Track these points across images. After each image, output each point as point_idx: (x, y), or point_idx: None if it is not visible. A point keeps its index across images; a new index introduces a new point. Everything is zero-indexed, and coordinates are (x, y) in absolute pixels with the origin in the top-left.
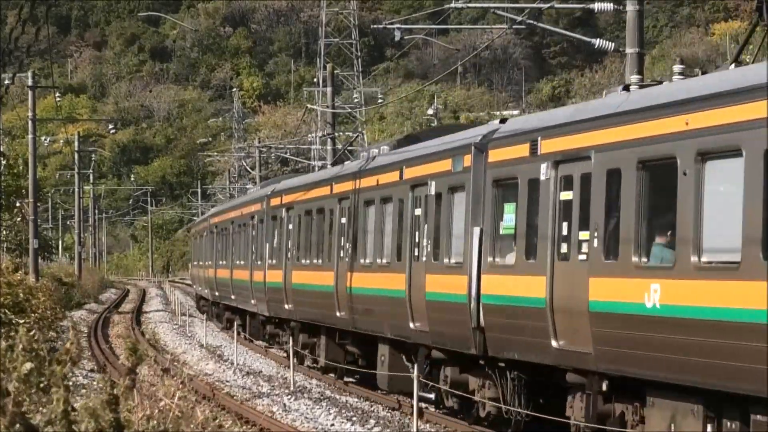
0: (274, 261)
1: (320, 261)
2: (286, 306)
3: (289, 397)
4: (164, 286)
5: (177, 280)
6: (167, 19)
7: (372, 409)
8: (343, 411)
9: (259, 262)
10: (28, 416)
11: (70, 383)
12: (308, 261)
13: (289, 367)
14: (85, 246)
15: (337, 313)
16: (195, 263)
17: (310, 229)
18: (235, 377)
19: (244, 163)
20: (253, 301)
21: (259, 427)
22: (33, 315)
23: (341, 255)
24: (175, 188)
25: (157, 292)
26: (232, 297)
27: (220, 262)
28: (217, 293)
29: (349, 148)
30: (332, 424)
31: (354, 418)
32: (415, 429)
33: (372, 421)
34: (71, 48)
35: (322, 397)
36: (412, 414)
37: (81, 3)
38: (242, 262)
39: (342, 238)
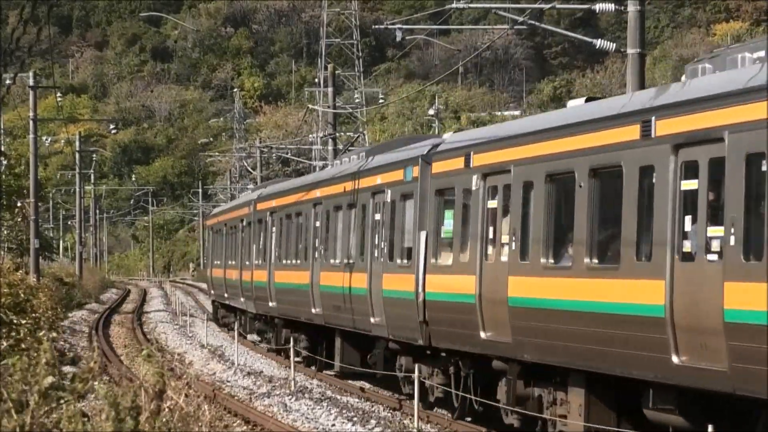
0: (445, 261)
1: (603, 261)
2: (482, 334)
3: (290, 397)
4: (165, 287)
5: (178, 281)
6: (168, 20)
7: (373, 409)
8: (344, 411)
9: (400, 262)
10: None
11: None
12: (555, 262)
13: (290, 367)
14: (86, 246)
15: (674, 359)
16: (216, 263)
17: (554, 206)
18: (236, 377)
19: (245, 164)
20: (374, 320)
21: (260, 427)
22: (34, 315)
23: (674, 248)
24: (176, 188)
25: (158, 293)
26: (314, 311)
27: (285, 262)
28: (272, 304)
29: (350, 148)
30: (333, 425)
31: (355, 419)
32: (415, 429)
33: (373, 422)
34: (72, 48)
35: (323, 398)
36: (412, 414)
37: (82, 3)
38: (348, 262)
39: (678, 217)
